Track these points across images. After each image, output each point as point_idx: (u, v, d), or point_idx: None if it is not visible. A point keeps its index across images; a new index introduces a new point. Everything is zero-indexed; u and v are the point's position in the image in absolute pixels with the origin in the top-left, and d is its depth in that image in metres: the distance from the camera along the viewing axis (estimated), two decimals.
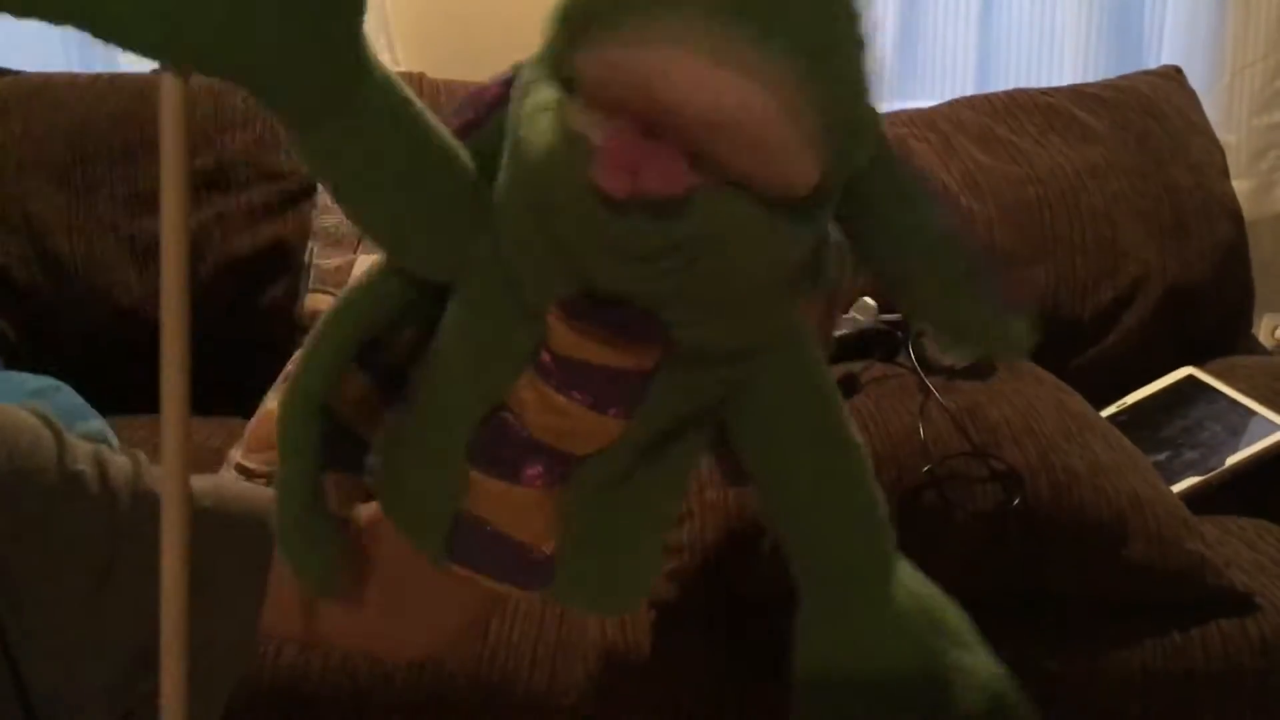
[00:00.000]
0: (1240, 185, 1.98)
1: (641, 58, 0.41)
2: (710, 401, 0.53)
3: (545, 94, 0.45)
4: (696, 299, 0.47)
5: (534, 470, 0.50)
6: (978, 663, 0.57)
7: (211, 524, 0.65)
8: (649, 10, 0.41)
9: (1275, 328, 2.10)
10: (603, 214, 0.43)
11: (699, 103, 0.41)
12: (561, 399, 0.49)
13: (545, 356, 0.48)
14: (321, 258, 1.45)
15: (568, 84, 0.45)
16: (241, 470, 1.26)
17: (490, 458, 0.51)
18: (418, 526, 0.54)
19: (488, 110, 0.50)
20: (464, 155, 0.50)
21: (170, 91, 0.48)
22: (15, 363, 1.41)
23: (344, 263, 1.44)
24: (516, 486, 0.51)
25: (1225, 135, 1.97)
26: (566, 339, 0.48)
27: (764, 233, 0.45)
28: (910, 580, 0.57)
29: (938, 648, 0.55)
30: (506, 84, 0.50)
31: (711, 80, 0.41)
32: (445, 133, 0.50)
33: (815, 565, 0.57)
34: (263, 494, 0.69)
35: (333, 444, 0.54)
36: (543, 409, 0.49)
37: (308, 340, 0.53)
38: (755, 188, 0.44)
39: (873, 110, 0.44)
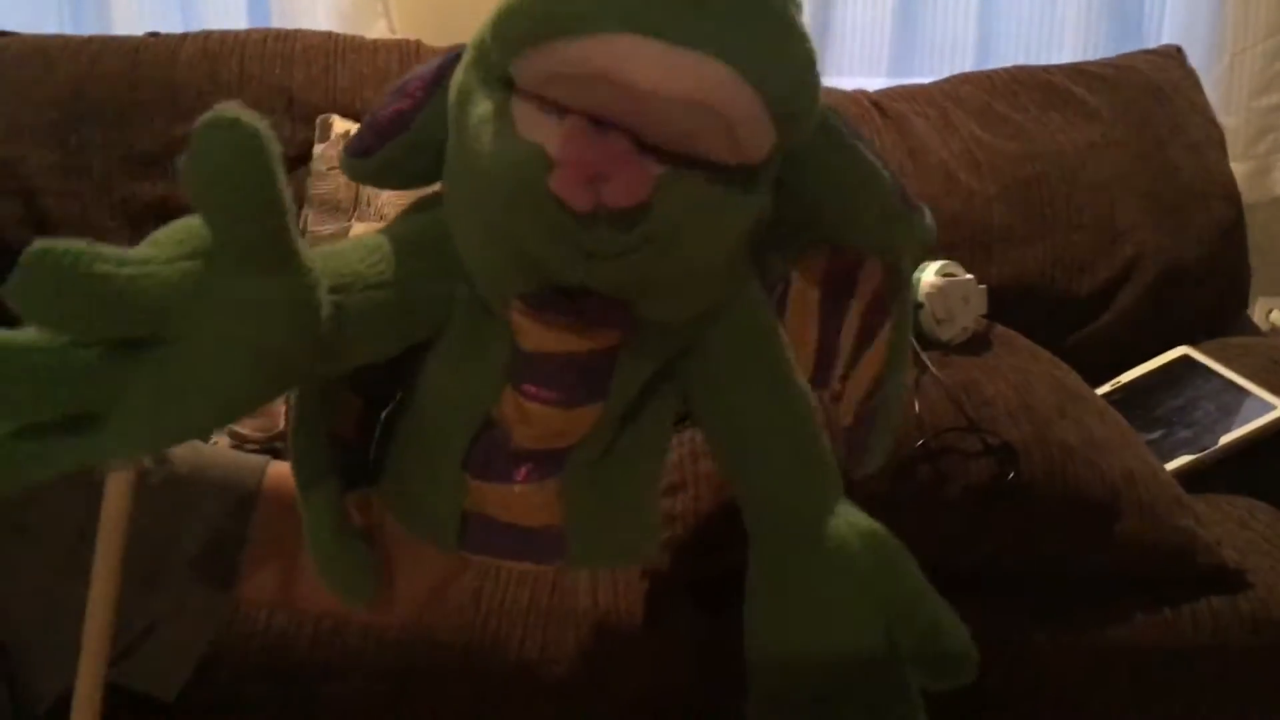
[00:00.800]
0: (1238, 168, 1.96)
1: (602, 48, 0.42)
2: (673, 356, 0.55)
3: (486, 105, 0.46)
4: (660, 282, 0.49)
5: (525, 471, 0.53)
6: (923, 604, 0.59)
7: (186, 492, 0.66)
8: (603, 6, 0.41)
9: (1270, 310, 2.09)
10: (568, 224, 0.44)
11: (666, 83, 0.42)
12: (538, 408, 0.51)
13: (517, 360, 0.50)
14: (316, 224, 1.44)
15: (505, 87, 0.46)
16: (235, 436, 1.25)
17: (485, 468, 0.54)
18: (429, 529, 0.57)
19: (418, 102, 0.53)
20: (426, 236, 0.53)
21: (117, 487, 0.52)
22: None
23: (339, 229, 1.43)
24: (513, 486, 0.54)
25: (1224, 118, 1.96)
26: (533, 333, 0.49)
27: (721, 210, 0.46)
28: (855, 519, 0.59)
29: (879, 586, 0.59)
30: (433, 74, 0.53)
31: (677, 61, 0.41)
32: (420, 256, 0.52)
33: (760, 505, 0.59)
34: (242, 461, 0.70)
35: (345, 466, 0.58)
36: (523, 421, 0.52)
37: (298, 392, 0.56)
38: (712, 162, 0.45)
39: (816, 78, 0.45)
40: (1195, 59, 1.87)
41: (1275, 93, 1.99)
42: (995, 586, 1.08)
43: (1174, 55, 1.69)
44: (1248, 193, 1.98)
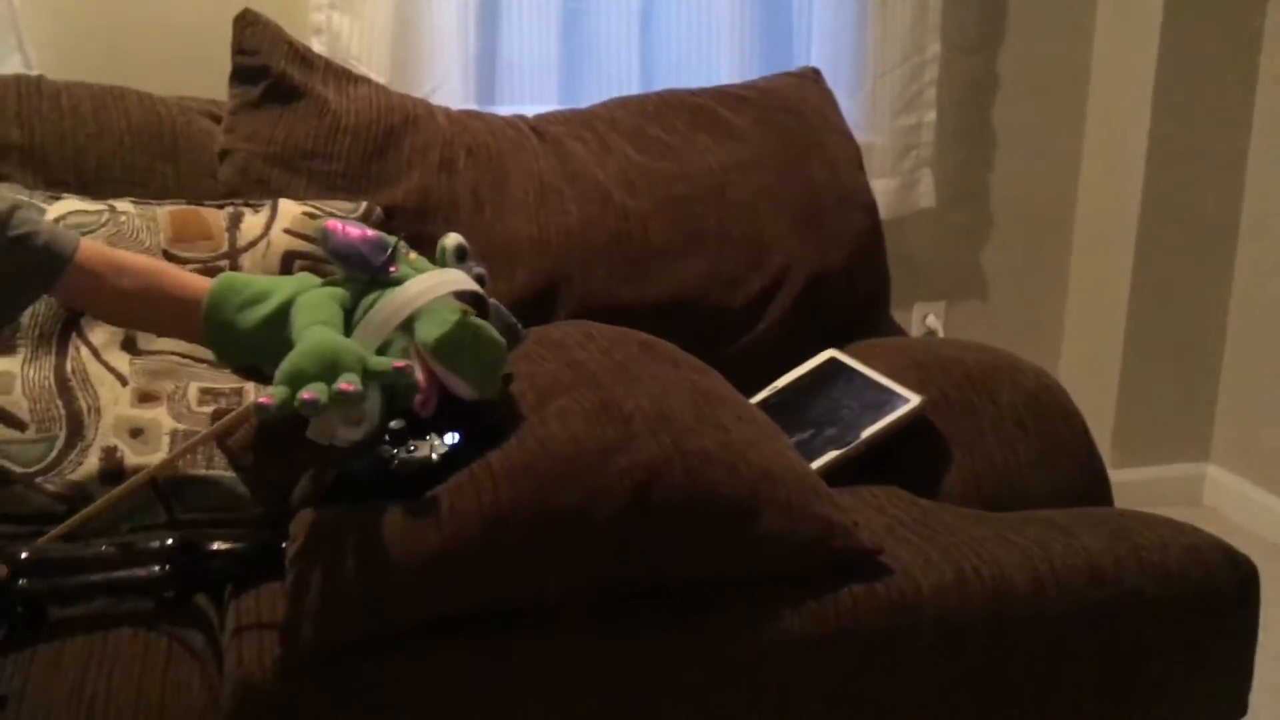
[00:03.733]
0: (886, 184, 2.12)
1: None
2: None
3: (404, 342, 1.09)
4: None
5: None
6: None
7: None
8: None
9: (925, 315, 2.26)
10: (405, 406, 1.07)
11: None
12: None
13: None
14: None
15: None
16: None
17: None
18: None
19: (371, 270, 1.13)
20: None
21: None
22: None
23: None
24: None
25: (870, 137, 2.10)
26: None
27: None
28: None
29: None
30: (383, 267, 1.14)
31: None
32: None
33: None
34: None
35: None
36: None
37: None
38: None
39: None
40: (842, 82, 2.00)
41: (914, 113, 2.16)
42: (652, 603, 1.08)
43: (811, 77, 1.79)
44: (896, 207, 2.14)
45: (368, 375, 1.00)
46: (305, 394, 0.95)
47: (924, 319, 2.25)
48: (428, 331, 1.07)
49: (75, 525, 1.11)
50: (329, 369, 0.99)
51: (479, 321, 1.09)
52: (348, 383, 0.97)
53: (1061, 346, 2.40)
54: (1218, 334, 2.33)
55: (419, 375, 1.06)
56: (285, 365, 1.00)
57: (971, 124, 2.25)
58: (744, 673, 1.07)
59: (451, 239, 1.18)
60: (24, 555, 1.06)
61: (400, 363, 1.02)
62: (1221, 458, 2.37)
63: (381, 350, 1.07)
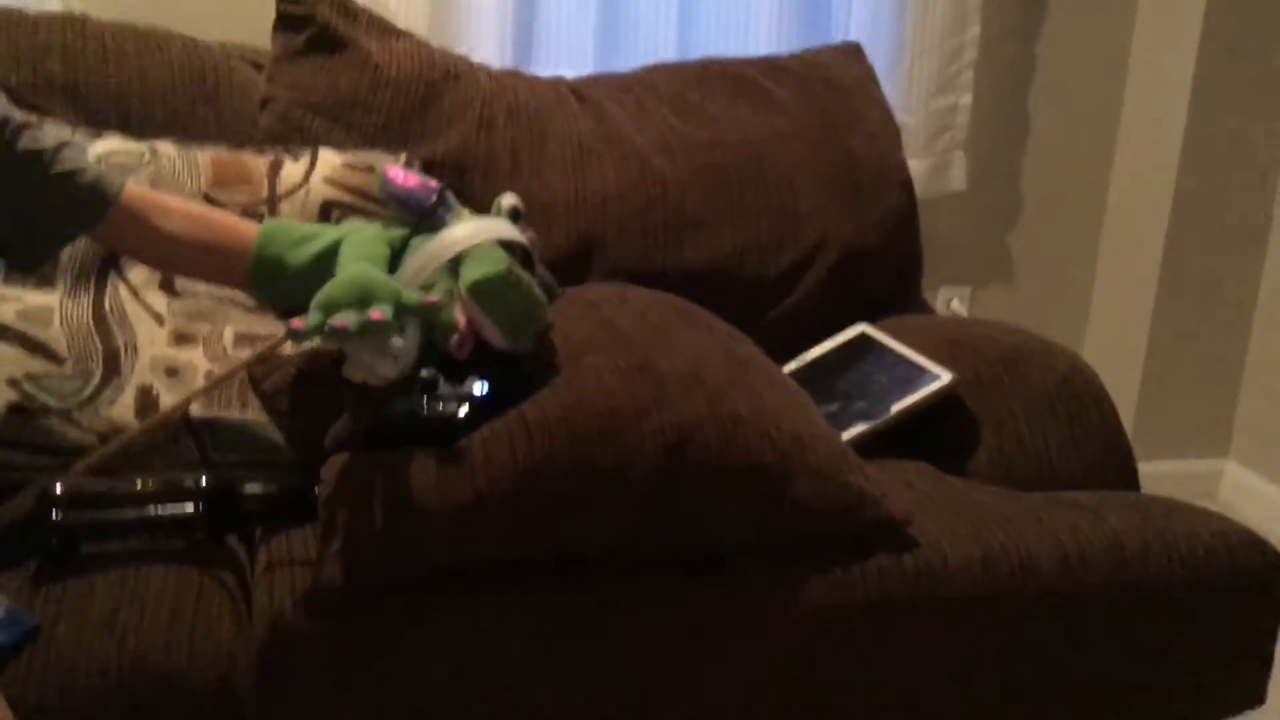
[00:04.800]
0: (918, 164, 2.10)
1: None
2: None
3: (448, 283, 1.10)
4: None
5: None
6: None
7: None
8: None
9: (951, 299, 2.25)
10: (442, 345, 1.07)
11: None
12: None
13: None
14: None
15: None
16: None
17: None
18: None
19: (422, 212, 1.16)
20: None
21: None
22: None
23: None
24: None
25: (905, 117, 2.09)
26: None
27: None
28: None
29: None
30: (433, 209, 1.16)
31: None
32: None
33: None
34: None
35: None
36: None
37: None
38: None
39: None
40: (879, 60, 1.98)
41: (951, 94, 2.14)
42: (680, 564, 1.09)
43: (854, 52, 1.78)
44: (928, 188, 2.13)
45: (401, 309, 1.01)
46: (336, 320, 0.97)
47: (949, 303, 2.25)
48: (470, 272, 1.08)
49: (107, 457, 1.11)
50: (362, 299, 1.00)
51: (523, 273, 1.10)
52: (378, 311, 0.98)
53: (1085, 336, 2.39)
54: (1243, 329, 2.31)
55: (459, 316, 1.06)
56: (320, 295, 1.01)
57: (1006, 108, 2.24)
58: (769, 638, 1.08)
59: (508, 198, 1.20)
60: (59, 489, 1.07)
61: (433, 297, 1.02)
62: (1241, 455, 2.36)
63: (424, 290, 1.08)
